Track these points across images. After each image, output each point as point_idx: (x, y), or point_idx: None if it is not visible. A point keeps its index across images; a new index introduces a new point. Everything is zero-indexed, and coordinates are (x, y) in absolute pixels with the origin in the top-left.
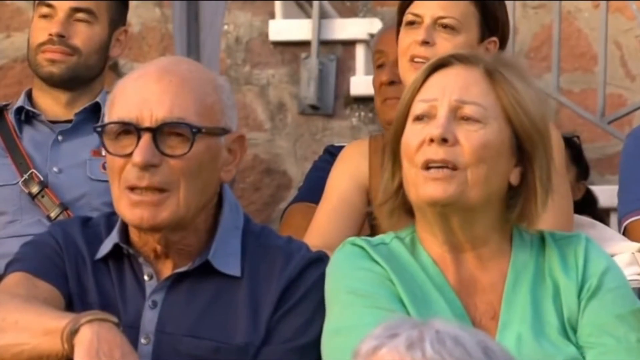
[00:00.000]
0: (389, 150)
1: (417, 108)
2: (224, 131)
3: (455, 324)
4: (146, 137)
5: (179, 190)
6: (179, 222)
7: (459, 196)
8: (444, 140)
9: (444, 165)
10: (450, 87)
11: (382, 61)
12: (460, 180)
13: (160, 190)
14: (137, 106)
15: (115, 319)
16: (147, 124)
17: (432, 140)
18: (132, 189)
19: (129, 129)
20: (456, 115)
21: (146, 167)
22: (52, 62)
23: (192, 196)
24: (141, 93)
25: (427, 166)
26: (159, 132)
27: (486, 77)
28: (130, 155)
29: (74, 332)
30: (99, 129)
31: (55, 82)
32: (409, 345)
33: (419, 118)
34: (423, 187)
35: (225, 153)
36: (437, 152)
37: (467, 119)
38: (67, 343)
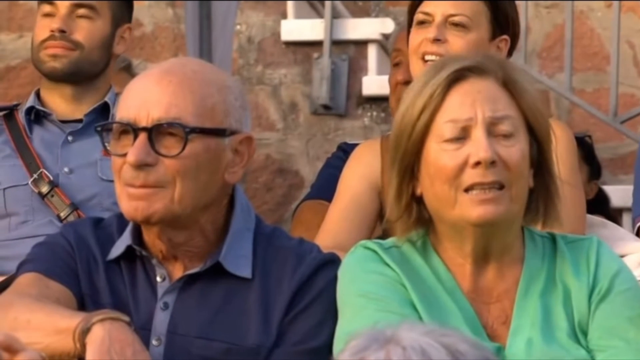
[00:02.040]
0: (397, 169)
1: (446, 129)
2: (228, 132)
3: (424, 328)
4: (142, 137)
5: (174, 187)
6: (175, 218)
7: (507, 214)
8: (491, 163)
9: (492, 186)
10: (480, 105)
11: (399, 59)
12: (507, 198)
13: (156, 186)
14: (137, 107)
15: (127, 318)
16: (143, 123)
17: (477, 163)
18: (129, 185)
19: (127, 129)
20: (491, 132)
21: (140, 166)
22: (54, 57)
23: (188, 194)
24: (141, 94)
25: (472, 187)
26: (155, 131)
27: (503, 87)
28: (127, 154)
29: (85, 331)
30: (99, 129)
31: (57, 77)
32: None
33: (451, 140)
34: (470, 209)
35: (230, 154)
36: (485, 175)
37: (504, 135)
38: (79, 342)
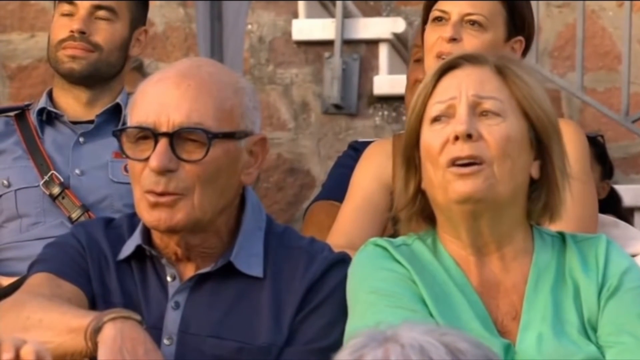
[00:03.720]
0: (401, 158)
1: (434, 110)
2: (244, 134)
3: (425, 327)
4: (163, 142)
5: (194, 194)
6: (196, 224)
7: (488, 191)
8: (468, 136)
9: (471, 161)
10: (465, 85)
11: (419, 56)
12: (487, 174)
13: (176, 193)
14: (156, 111)
15: (138, 317)
16: (164, 129)
17: (456, 138)
18: (150, 192)
19: (147, 134)
20: (475, 111)
21: (162, 172)
22: (73, 58)
23: (208, 199)
24: (160, 98)
25: (453, 164)
26: (176, 137)
27: (497, 73)
28: (147, 159)
29: (97, 330)
30: (118, 133)
31: (75, 79)
32: None
33: (436, 119)
34: (452, 186)
35: (246, 156)
36: (462, 149)
37: (487, 113)
38: (91, 341)
